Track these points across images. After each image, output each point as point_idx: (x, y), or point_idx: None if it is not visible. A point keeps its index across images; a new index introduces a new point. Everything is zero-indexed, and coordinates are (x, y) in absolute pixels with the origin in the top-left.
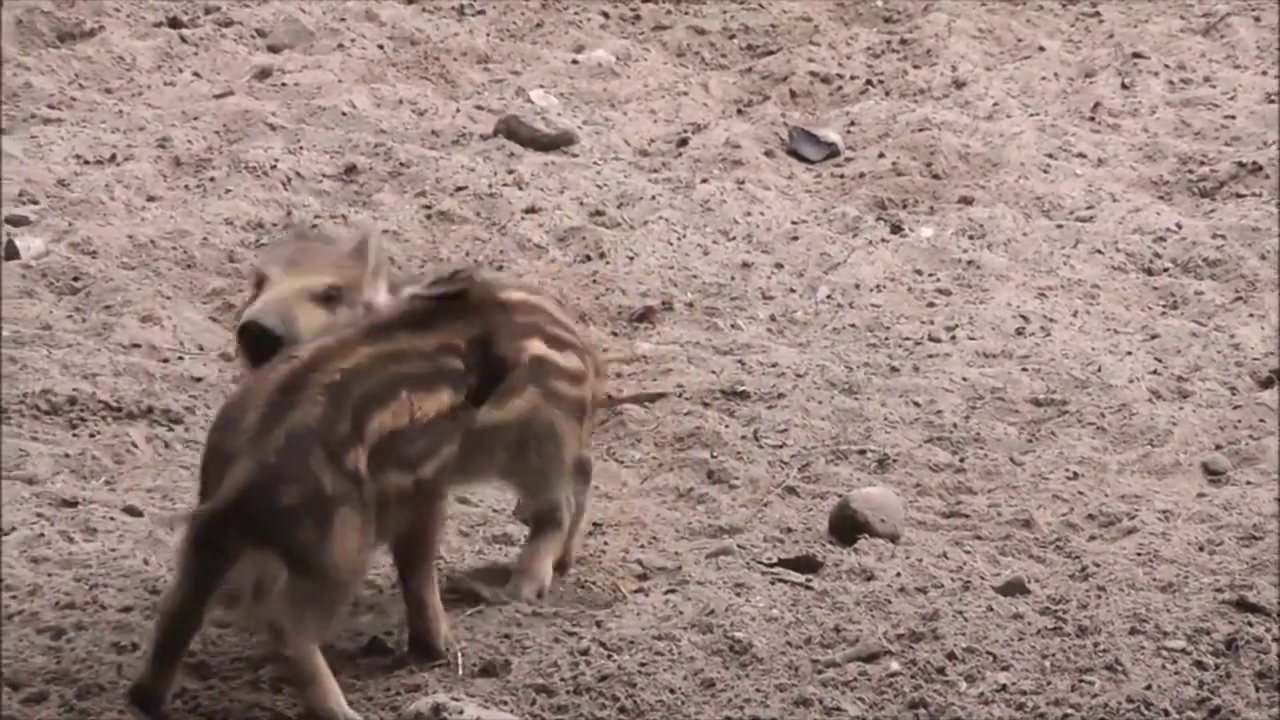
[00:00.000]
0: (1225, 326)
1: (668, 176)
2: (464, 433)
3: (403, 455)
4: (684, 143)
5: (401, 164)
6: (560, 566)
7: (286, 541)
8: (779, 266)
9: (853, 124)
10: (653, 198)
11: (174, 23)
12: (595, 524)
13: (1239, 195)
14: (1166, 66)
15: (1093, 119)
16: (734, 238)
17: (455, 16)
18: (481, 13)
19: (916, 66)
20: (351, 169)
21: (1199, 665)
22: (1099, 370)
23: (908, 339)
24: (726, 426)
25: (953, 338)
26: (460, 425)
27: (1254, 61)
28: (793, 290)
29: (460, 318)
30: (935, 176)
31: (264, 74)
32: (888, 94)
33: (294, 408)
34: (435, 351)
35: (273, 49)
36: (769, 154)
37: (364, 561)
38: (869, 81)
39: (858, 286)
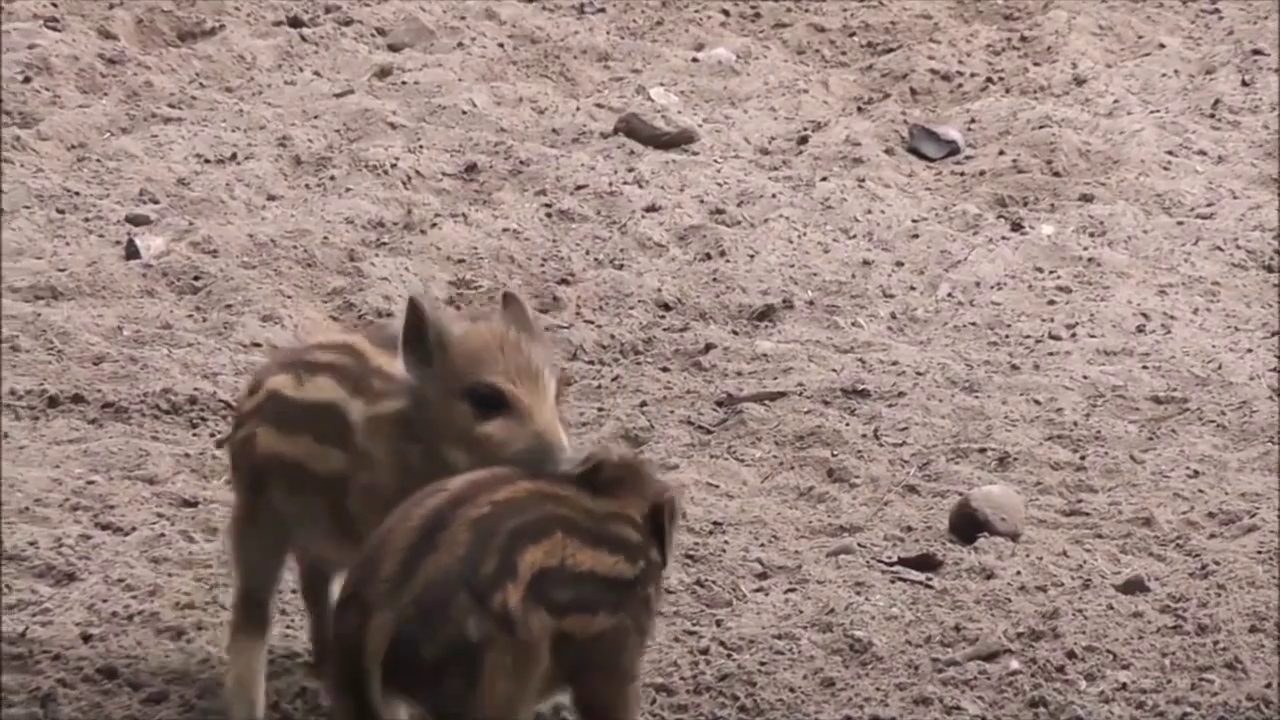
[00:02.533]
0: None
1: (788, 174)
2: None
3: (551, 598)
4: (804, 140)
5: (521, 162)
6: None
7: (433, 697)
8: (899, 264)
9: (973, 121)
10: (773, 196)
11: (294, 22)
12: (715, 523)
13: None
14: None
15: (1213, 116)
16: (854, 235)
17: (575, 15)
18: (601, 10)
19: (1037, 64)
20: (472, 167)
21: None
22: (1219, 368)
23: (1028, 337)
24: (847, 425)
25: (1073, 335)
26: (634, 598)
27: None
28: (913, 288)
29: (633, 490)
30: (1056, 174)
31: (384, 72)
32: (1008, 91)
33: (436, 549)
34: (602, 513)
35: (393, 47)
36: (889, 152)
37: (519, 705)
38: (989, 79)
39: (978, 284)
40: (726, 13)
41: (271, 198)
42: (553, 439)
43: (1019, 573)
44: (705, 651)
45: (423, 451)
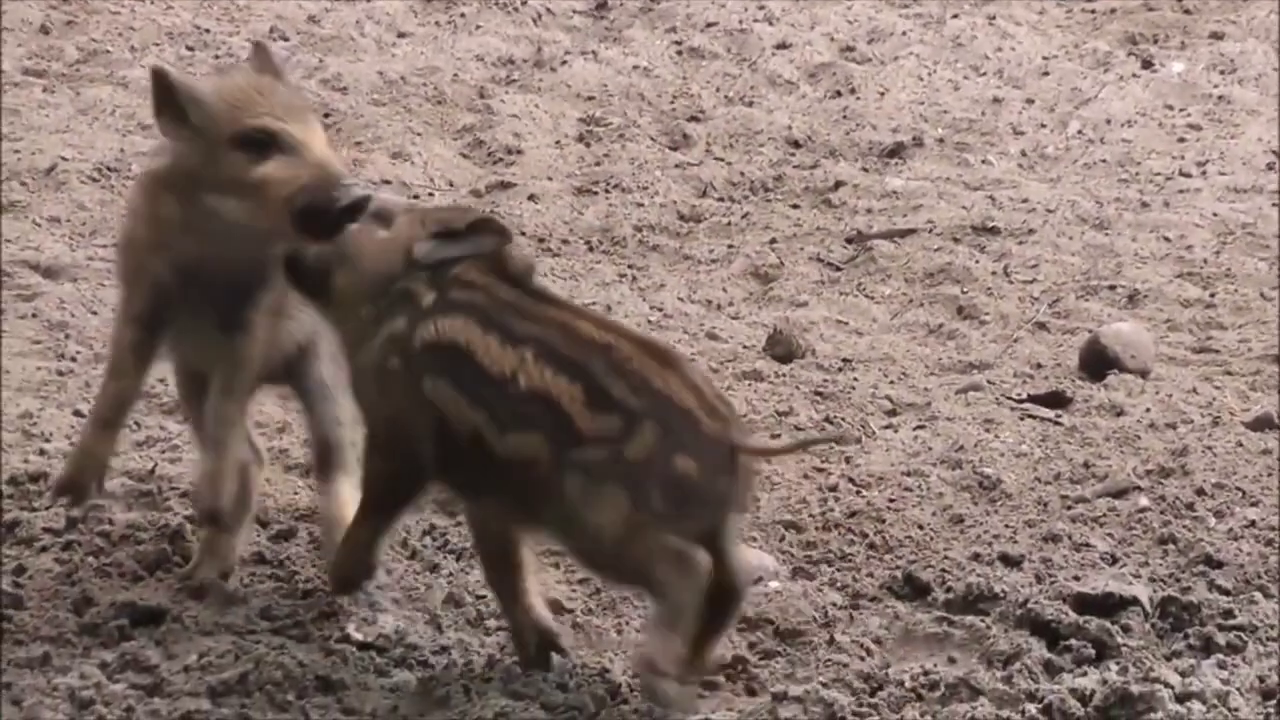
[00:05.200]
0: None
1: (918, 12)
2: None
3: None
4: None
5: (652, 0)
6: None
7: None
8: (1029, 102)
9: None
10: (903, 33)
11: None
12: (844, 359)
13: None
14: None
15: None
16: (984, 73)
17: None
18: None
19: None
20: (602, 4)
21: None
22: None
23: (1158, 174)
24: (976, 262)
25: (1203, 173)
26: None
27: None
28: (1043, 125)
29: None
30: (1186, 11)
31: None
32: None
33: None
34: None
35: None
36: None
37: None
38: None
39: (1108, 122)
40: None
41: (401, 35)
42: (333, 169)
43: (1148, 410)
44: (834, 488)
45: (180, 200)
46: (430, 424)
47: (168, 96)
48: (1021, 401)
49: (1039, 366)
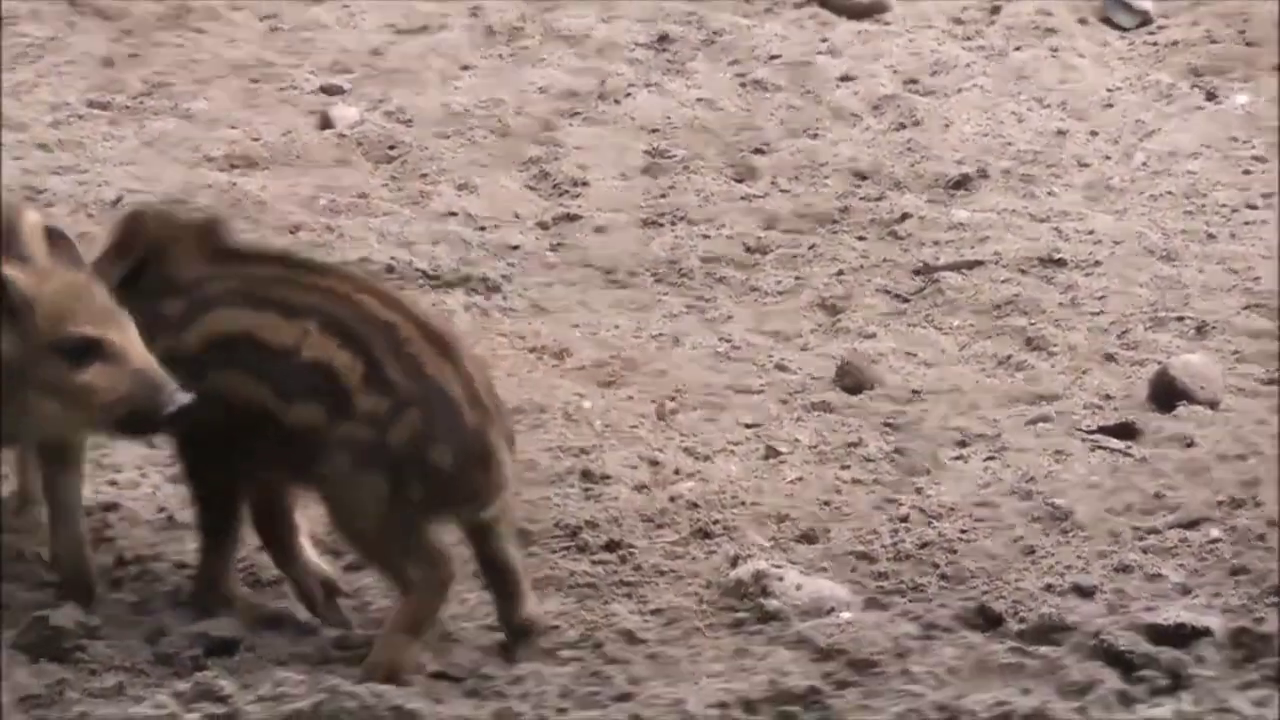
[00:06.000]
0: None
1: (981, 44)
2: None
3: None
4: (996, 10)
5: (714, 32)
6: None
7: None
8: (1094, 134)
9: None
10: (966, 65)
11: None
12: (914, 391)
13: None
14: None
15: None
16: (1048, 105)
17: None
18: None
19: None
20: (664, 37)
21: None
22: None
23: (1224, 206)
24: (1044, 293)
25: (1269, 204)
26: None
27: None
28: (1108, 157)
29: None
30: (1249, 44)
31: None
32: None
33: None
34: None
35: None
36: (1082, 21)
37: None
38: None
39: (1173, 154)
40: None
41: (465, 67)
42: (154, 375)
43: (1219, 441)
44: (905, 519)
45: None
46: (223, 417)
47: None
48: (1091, 433)
49: (1108, 397)
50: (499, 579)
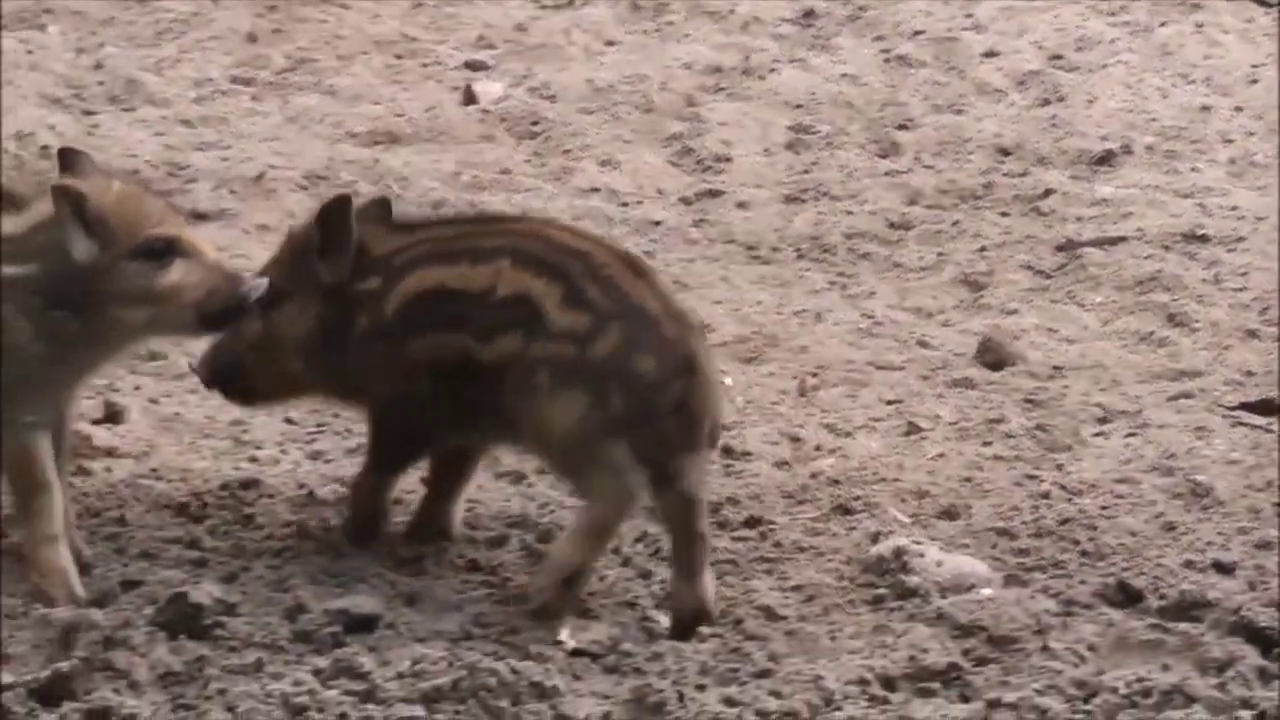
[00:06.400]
0: None
1: (1126, 20)
2: None
3: None
4: None
5: (859, 8)
6: None
7: None
8: (1238, 110)
9: None
10: (1111, 41)
11: None
12: (1056, 367)
13: None
14: None
15: None
16: (1193, 81)
17: None
18: None
19: None
20: (809, 12)
21: None
22: None
23: None
24: (1187, 270)
25: None
26: None
27: None
28: (1252, 134)
29: None
30: None
31: None
32: None
33: None
34: None
35: None
36: None
37: None
38: None
39: None
40: None
41: (609, 43)
42: (228, 266)
43: None
44: (1046, 496)
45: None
46: (427, 382)
47: (83, 215)
48: (1233, 409)
49: (1250, 374)
50: (684, 555)
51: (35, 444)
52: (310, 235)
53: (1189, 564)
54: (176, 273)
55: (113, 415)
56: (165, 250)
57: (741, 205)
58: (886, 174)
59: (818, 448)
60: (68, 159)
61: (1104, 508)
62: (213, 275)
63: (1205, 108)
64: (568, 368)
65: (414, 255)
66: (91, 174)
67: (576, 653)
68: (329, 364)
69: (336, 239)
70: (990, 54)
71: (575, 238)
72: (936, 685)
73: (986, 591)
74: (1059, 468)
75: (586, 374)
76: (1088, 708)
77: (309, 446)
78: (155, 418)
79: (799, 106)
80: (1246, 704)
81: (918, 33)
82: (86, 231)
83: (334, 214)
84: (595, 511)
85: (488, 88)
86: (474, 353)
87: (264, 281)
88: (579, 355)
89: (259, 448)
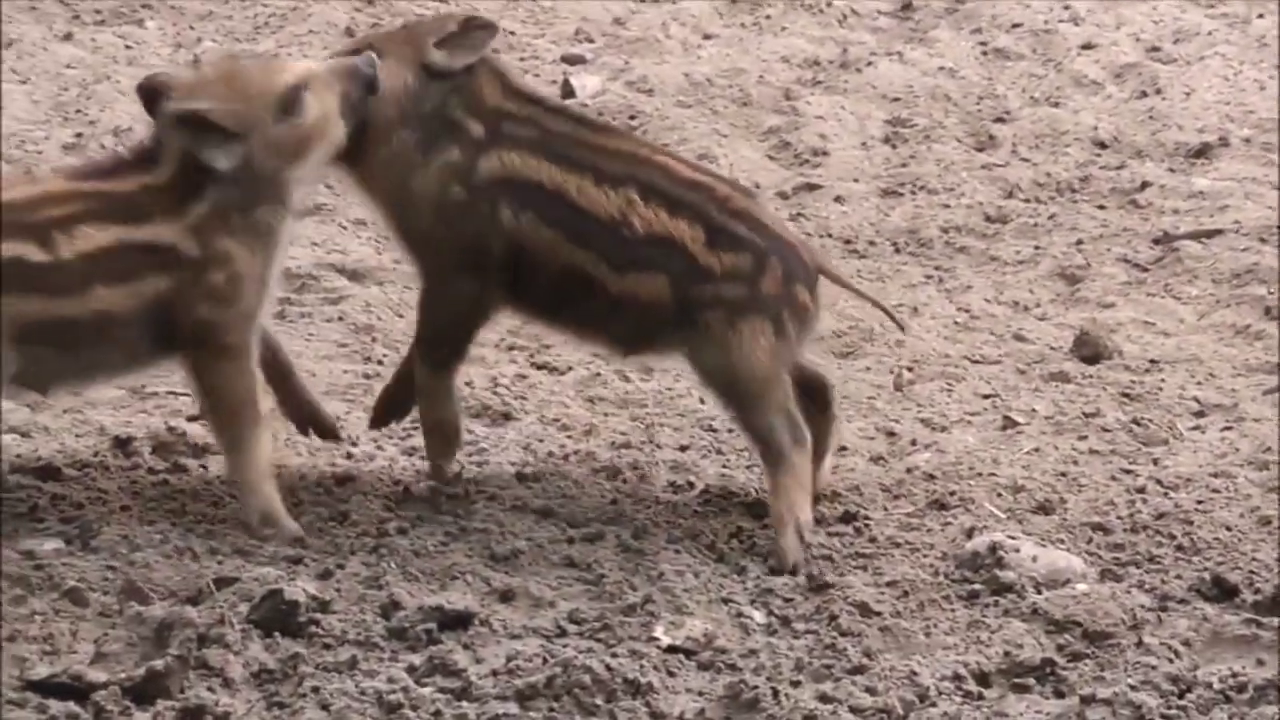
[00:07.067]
0: None
1: (1224, 11)
2: None
3: None
4: None
5: (957, 1)
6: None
7: None
8: None
9: None
10: (1209, 33)
11: None
12: (1152, 360)
13: None
14: None
15: None
16: None
17: None
18: None
19: None
20: (907, 5)
21: None
22: None
23: None
24: None
25: None
26: None
27: None
28: None
29: None
30: None
31: None
32: None
33: None
34: None
35: None
36: None
37: None
38: None
39: None
40: None
41: (707, 36)
42: (339, 66)
43: None
44: (1142, 490)
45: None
46: (503, 252)
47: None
48: None
49: None
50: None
51: (254, 371)
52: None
53: None
54: (313, 105)
55: None
56: (293, 96)
57: (838, 199)
58: (983, 167)
59: (913, 442)
60: (149, 91)
61: (1199, 502)
62: (336, 82)
63: None
64: (746, 305)
65: (505, 134)
66: (180, 84)
67: (671, 649)
68: None
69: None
70: (1087, 46)
71: (690, 169)
72: (1031, 681)
73: (1081, 587)
74: (1154, 462)
75: (766, 309)
76: (1182, 703)
77: (404, 442)
78: None
79: (896, 100)
80: None
81: (1015, 25)
82: (223, 142)
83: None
84: (792, 471)
85: (585, 81)
86: (600, 277)
87: (368, 55)
88: (753, 293)
89: (354, 443)
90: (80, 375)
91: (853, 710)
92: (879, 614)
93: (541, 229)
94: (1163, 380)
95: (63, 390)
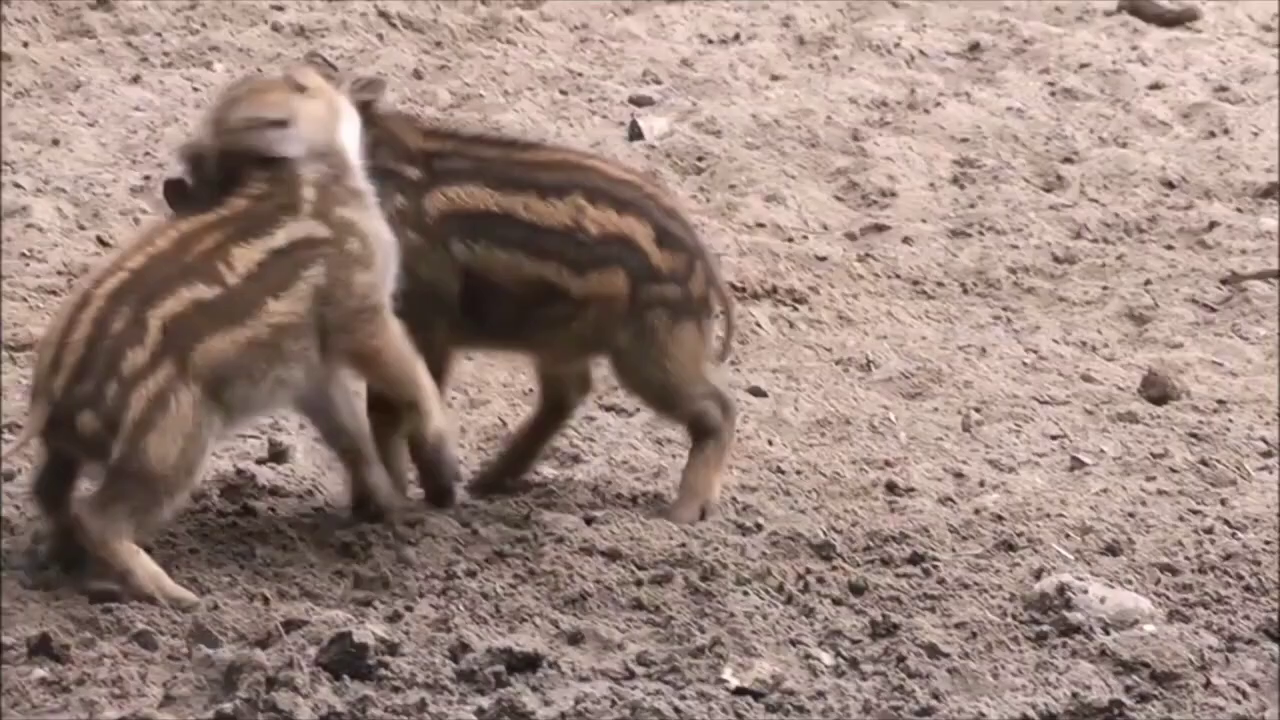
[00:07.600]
0: None
1: None
2: None
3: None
4: None
5: (1025, 41)
6: None
7: None
8: None
9: None
10: (1276, 73)
11: None
12: (1220, 401)
13: None
14: None
15: None
16: None
17: None
18: None
19: None
20: (975, 46)
21: None
22: None
23: None
24: None
25: None
26: None
27: None
28: None
29: None
30: None
31: None
32: None
33: None
34: None
35: None
36: None
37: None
38: None
39: None
40: None
41: (775, 78)
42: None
43: None
44: (1210, 530)
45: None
46: (457, 284)
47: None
48: None
49: None
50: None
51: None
52: None
53: None
54: (314, 79)
55: (277, 454)
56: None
57: (906, 240)
58: (1051, 208)
59: (981, 483)
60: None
61: (1267, 542)
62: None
63: None
64: (679, 306)
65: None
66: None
67: (739, 691)
68: None
69: None
70: (1155, 86)
71: (620, 169)
72: None
73: (1149, 628)
74: (1223, 502)
75: (694, 310)
76: None
77: (468, 483)
78: (319, 456)
79: (964, 140)
80: None
81: (1083, 65)
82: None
83: None
84: (718, 442)
85: (653, 122)
86: (560, 283)
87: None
88: (685, 294)
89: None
90: (266, 403)
91: None
92: (947, 655)
93: (496, 253)
94: (1230, 420)
95: (247, 425)
